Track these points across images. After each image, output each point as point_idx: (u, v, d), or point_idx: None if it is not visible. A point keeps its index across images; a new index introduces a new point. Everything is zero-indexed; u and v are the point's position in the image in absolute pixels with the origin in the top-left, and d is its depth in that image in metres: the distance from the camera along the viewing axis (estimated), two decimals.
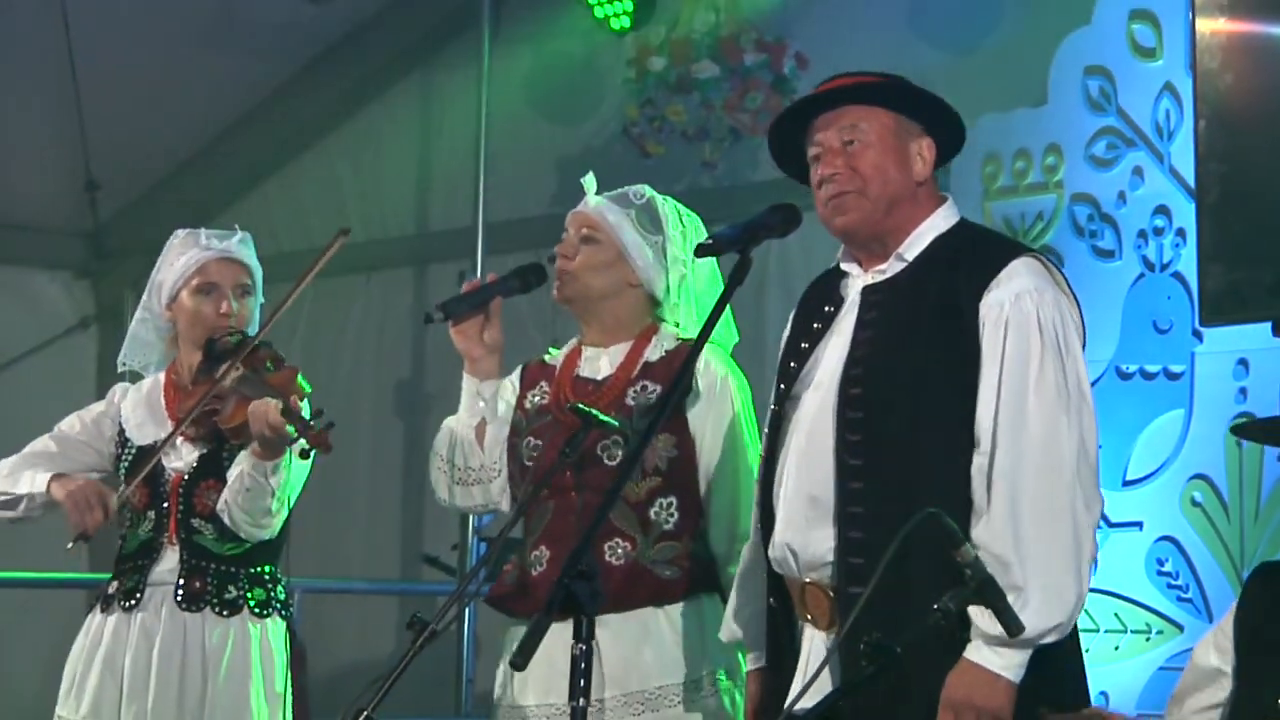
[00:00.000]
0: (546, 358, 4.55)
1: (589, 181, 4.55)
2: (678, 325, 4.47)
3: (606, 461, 4.28)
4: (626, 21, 7.37)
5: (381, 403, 8.62)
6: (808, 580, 3.79)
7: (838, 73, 3.98)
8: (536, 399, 4.46)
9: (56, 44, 7.97)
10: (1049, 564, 3.63)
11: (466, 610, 7.15)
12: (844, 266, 3.91)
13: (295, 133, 9.03)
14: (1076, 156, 6.02)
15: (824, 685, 3.64)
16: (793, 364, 3.88)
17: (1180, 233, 5.80)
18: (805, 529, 3.77)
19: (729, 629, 4.09)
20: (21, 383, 8.37)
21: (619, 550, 4.26)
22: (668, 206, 4.54)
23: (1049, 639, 3.62)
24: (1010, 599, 3.33)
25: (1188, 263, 5.75)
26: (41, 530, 5.13)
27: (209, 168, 9.15)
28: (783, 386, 3.89)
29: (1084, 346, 3.83)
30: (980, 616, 3.54)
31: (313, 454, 4.64)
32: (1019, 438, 3.65)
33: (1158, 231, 5.86)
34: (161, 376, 5.04)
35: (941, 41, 6.89)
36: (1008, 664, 3.61)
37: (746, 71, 7.10)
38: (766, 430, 3.94)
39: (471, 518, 7.39)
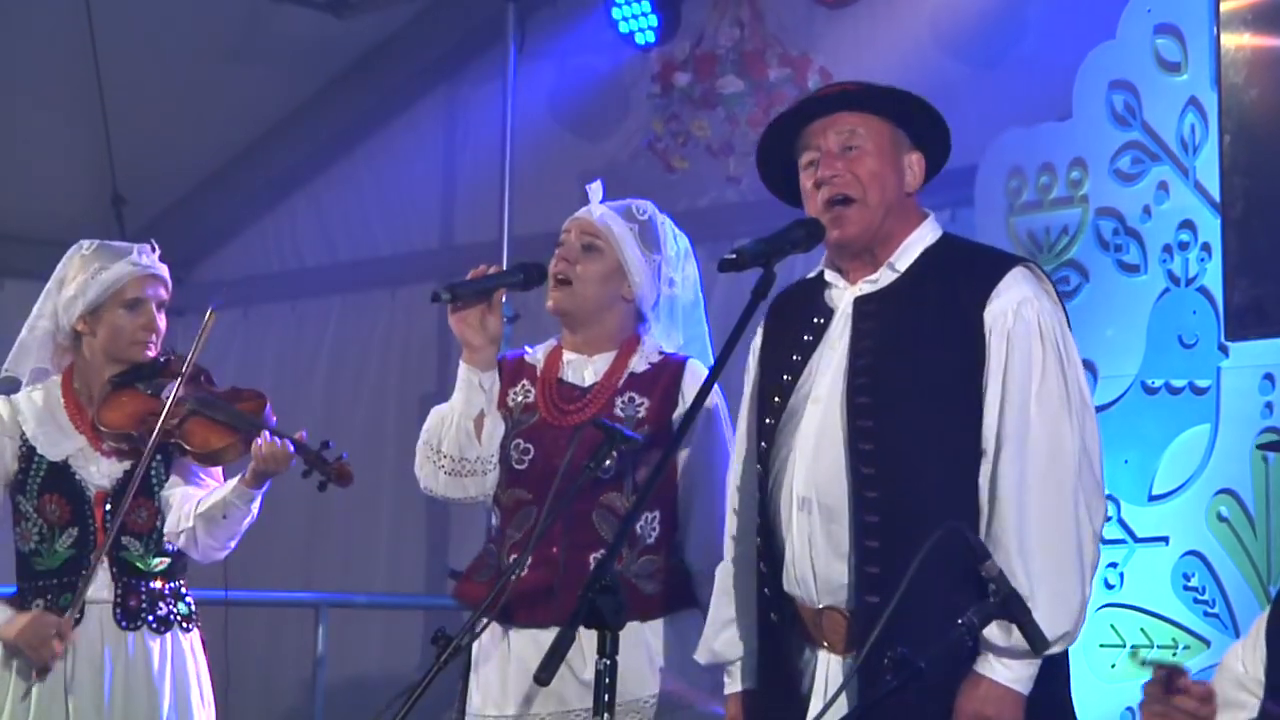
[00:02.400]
0: (526, 355, 4.55)
1: (595, 189, 4.56)
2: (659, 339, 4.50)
3: (599, 474, 4.28)
4: (651, 36, 7.38)
5: (406, 417, 8.62)
6: (824, 605, 3.78)
7: (836, 82, 4.00)
8: (520, 398, 4.46)
9: (83, 59, 7.99)
10: (1055, 572, 3.64)
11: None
12: (828, 277, 3.91)
13: (321, 147, 9.05)
14: (1101, 171, 6.01)
15: (840, 708, 3.64)
16: (786, 376, 3.87)
17: (1205, 247, 5.78)
18: (827, 552, 3.76)
19: (708, 651, 4.04)
20: None
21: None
22: (665, 227, 4.56)
23: (1057, 648, 3.62)
24: None
25: (1213, 277, 5.74)
26: None
27: (235, 183, 9.18)
28: (776, 400, 3.87)
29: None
30: (989, 629, 3.54)
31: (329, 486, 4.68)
32: (1023, 445, 3.67)
33: (1183, 246, 5.84)
34: (55, 388, 4.98)
35: (966, 55, 6.89)
36: (1017, 676, 3.62)
37: (771, 86, 7.10)
38: (761, 443, 3.91)
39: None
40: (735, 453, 4.05)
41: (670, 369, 4.43)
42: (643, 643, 4.27)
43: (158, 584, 4.88)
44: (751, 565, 3.93)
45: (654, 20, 7.34)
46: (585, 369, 4.46)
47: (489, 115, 8.09)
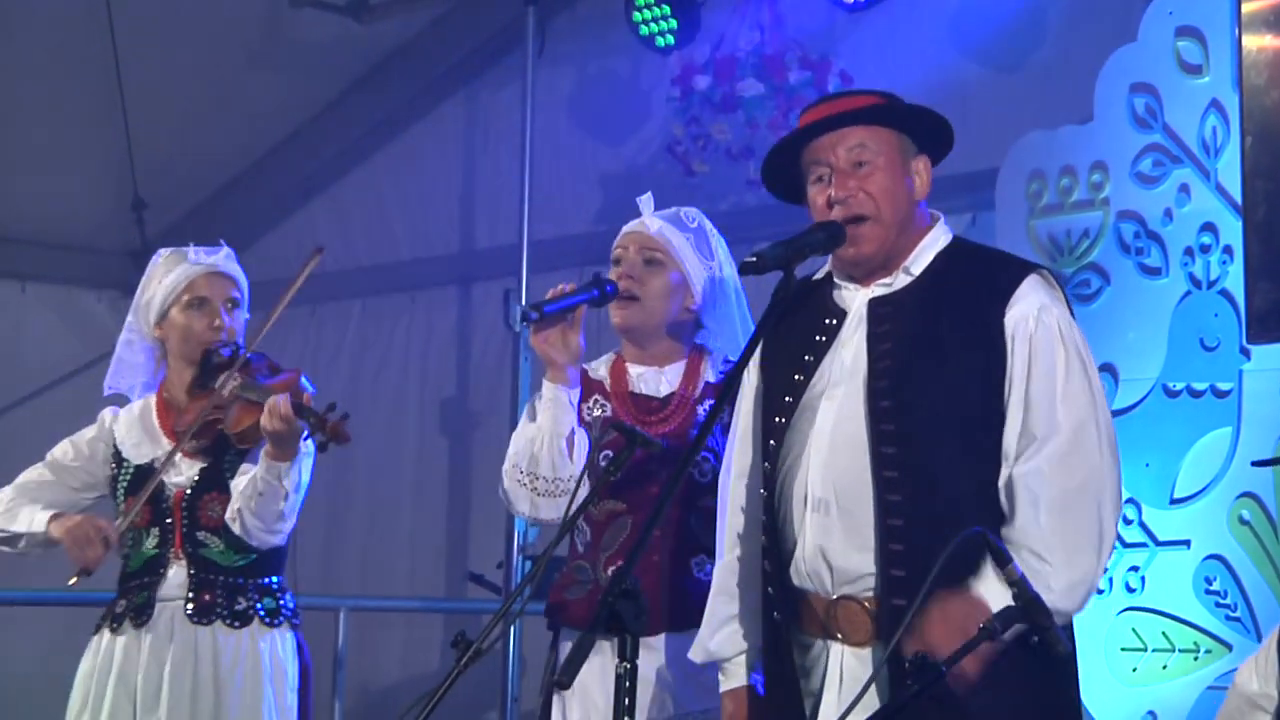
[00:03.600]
0: (589, 370, 4.55)
1: (646, 201, 4.54)
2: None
3: (697, 478, 4.30)
4: (671, 39, 7.37)
5: (426, 421, 8.64)
6: (839, 596, 3.77)
7: (830, 94, 3.99)
8: (596, 412, 4.47)
9: (104, 64, 8.01)
10: (1075, 547, 3.64)
11: (512, 629, 7.15)
12: (837, 279, 3.91)
13: (341, 152, 9.06)
14: (1122, 173, 6.00)
15: (849, 700, 3.65)
16: (797, 375, 3.85)
17: (1227, 250, 5.77)
18: (843, 543, 3.76)
19: (703, 650, 4.02)
20: (69, 401, 8.40)
21: (707, 567, 4.26)
22: (713, 231, 4.57)
23: (1060, 620, 3.60)
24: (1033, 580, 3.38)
25: (1235, 280, 5.73)
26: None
27: (255, 187, 9.19)
28: (787, 399, 3.87)
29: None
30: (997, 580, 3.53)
31: (330, 446, 4.65)
32: (1048, 443, 3.68)
33: (1204, 249, 5.83)
34: (152, 397, 5.03)
35: (986, 58, 6.88)
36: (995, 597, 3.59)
37: (791, 89, 7.10)
38: (769, 441, 3.90)
39: (517, 536, 7.39)
40: (734, 452, 4.03)
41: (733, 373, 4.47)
42: None
43: (240, 579, 4.87)
44: (757, 563, 3.92)
45: (674, 23, 7.34)
46: (658, 381, 4.47)
47: (509, 119, 8.10)
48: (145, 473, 4.91)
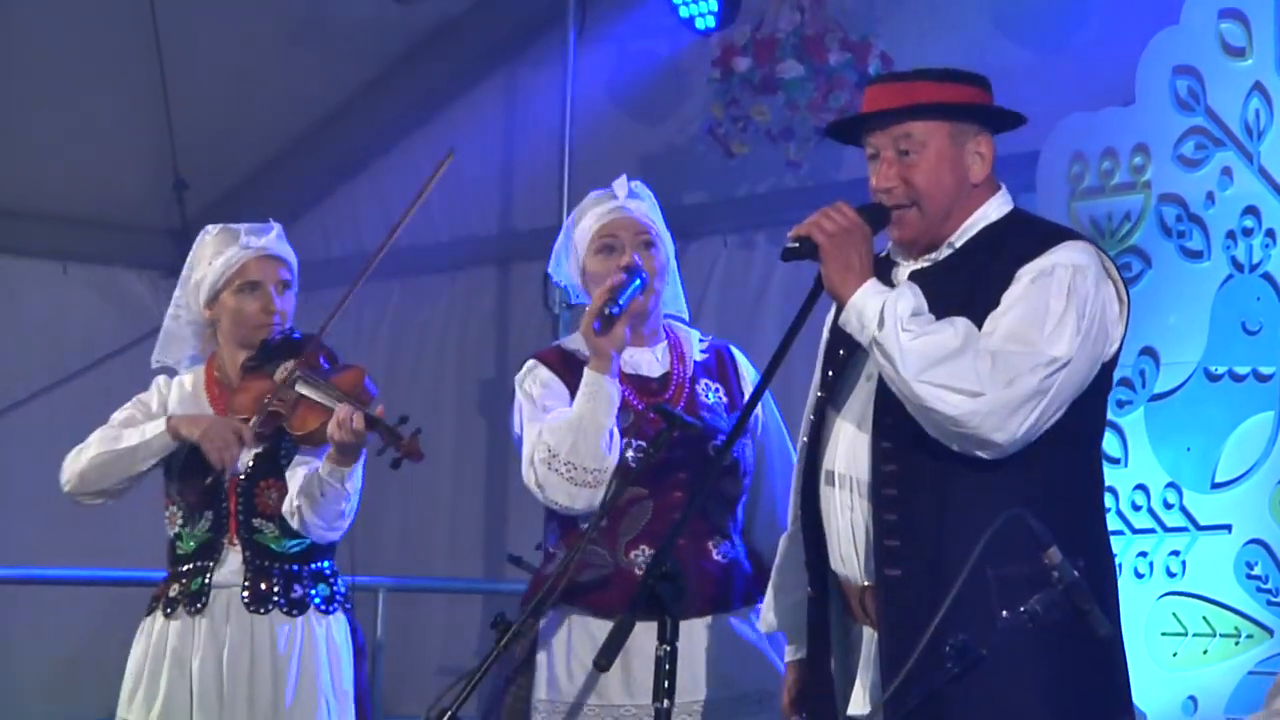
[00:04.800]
0: (577, 353, 4.50)
1: (622, 183, 4.55)
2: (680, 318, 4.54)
3: (720, 461, 4.31)
4: (711, 21, 7.36)
5: (465, 402, 8.64)
6: (868, 584, 3.77)
7: (896, 72, 3.97)
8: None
9: (145, 44, 8.03)
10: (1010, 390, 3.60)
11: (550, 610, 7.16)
12: (894, 255, 3.90)
13: (380, 132, 9.06)
14: (1164, 156, 5.97)
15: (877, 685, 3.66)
16: (841, 351, 3.87)
17: (1270, 233, 5.75)
18: (865, 531, 3.76)
19: (767, 620, 4.08)
20: (110, 380, 8.43)
21: (723, 549, 4.26)
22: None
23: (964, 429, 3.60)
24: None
25: (1277, 263, 5.70)
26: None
27: (296, 166, 9.20)
28: (830, 373, 3.88)
29: (1120, 347, 3.80)
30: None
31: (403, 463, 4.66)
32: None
33: (1247, 232, 5.80)
34: (201, 373, 5.00)
35: (1028, 40, 6.85)
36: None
37: (831, 71, 7.08)
38: (811, 417, 3.91)
39: None
40: (804, 425, 4.04)
41: (724, 356, 4.54)
42: (745, 634, 4.30)
43: (295, 565, 4.85)
44: (800, 538, 3.93)
45: (714, 4, 7.33)
46: (647, 360, 4.46)
47: (549, 99, 8.09)
48: (198, 451, 4.84)
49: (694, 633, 4.27)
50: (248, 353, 4.92)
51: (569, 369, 4.47)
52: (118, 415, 5.00)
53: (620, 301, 4.33)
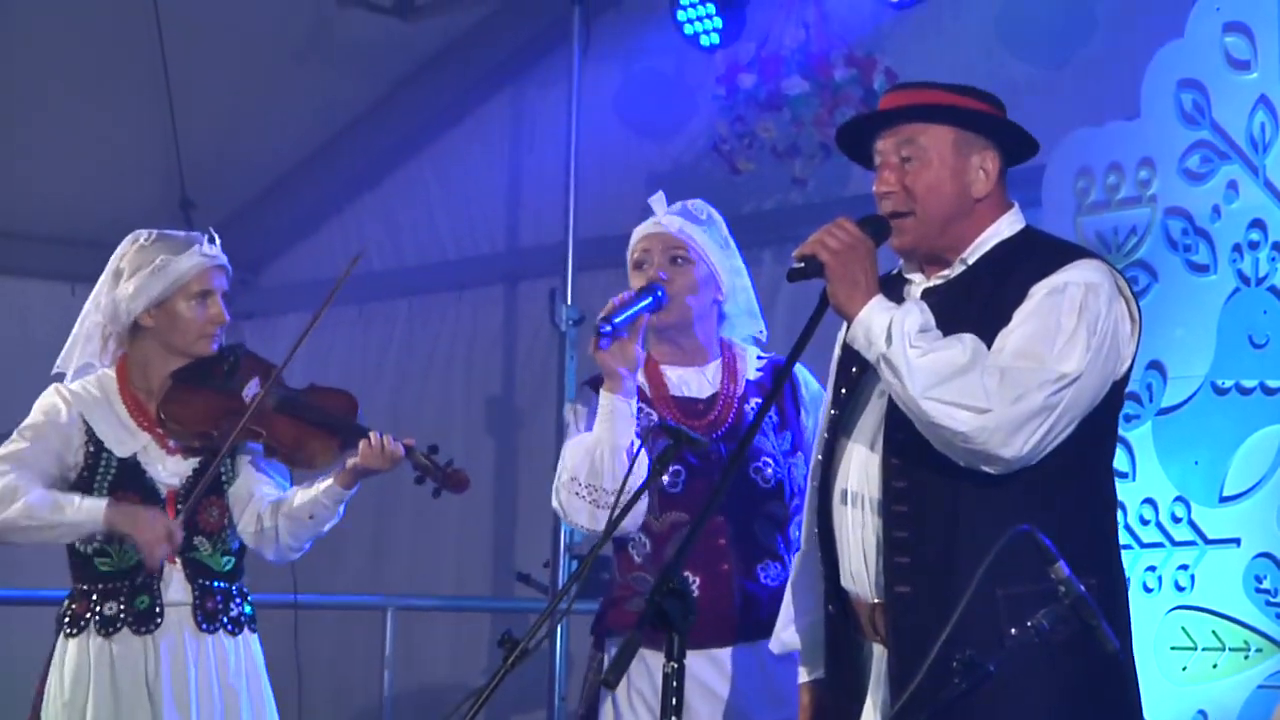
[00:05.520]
0: None
1: (659, 200, 4.55)
2: (749, 340, 4.50)
3: (760, 484, 4.28)
4: (716, 38, 7.36)
5: (472, 420, 8.65)
6: (878, 601, 3.77)
7: (913, 81, 3.97)
8: (643, 421, 4.44)
9: (151, 63, 8.04)
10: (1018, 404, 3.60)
11: (559, 628, 7.16)
12: (907, 273, 3.90)
13: (387, 150, 9.08)
14: (1170, 170, 5.97)
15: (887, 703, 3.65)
16: (854, 369, 3.86)
17: (1276, 246, 5.74)
18: (876, 547, 3.75)
19: (779, 641, 4.06)
20: None
21: (772, 571, 4.25)
22: (720, 219, 4.57)
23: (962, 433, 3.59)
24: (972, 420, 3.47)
25: None
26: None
27: (302, 186, 9.22)
28: (843, 391, 3.87)
29: (1132, 358, 3.78)
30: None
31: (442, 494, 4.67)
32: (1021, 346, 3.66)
33: (1253, 245, 5.79)
34: (110, 384, 4.85)
35: (1033, 55, 6.86)
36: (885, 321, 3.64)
37: (836, 87, 7.08)
38: (825, 435, 3.92)
39: (563, 535, 7.40)
40: (817, 443, 4.03)
41: (777, 373, 4.40)
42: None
43: (226, 583, 4.83)
44: (817, 555, 3.93)
45: (719, 22, 7.33)
46: (700, 381, 4.44)
47: (554, 118, 8.10)
48: (130, 466, 4.78)
49: (740, 659, 4.26)
50: (178, 362, 4.81)
51: None
52: (27, 432, 4.78)
53: (614, 320, 4.32)
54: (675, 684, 3.40)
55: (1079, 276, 3.72)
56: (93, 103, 8.27)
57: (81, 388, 4.86)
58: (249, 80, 8.40)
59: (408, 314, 9.02)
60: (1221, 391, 5.78)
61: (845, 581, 3.82)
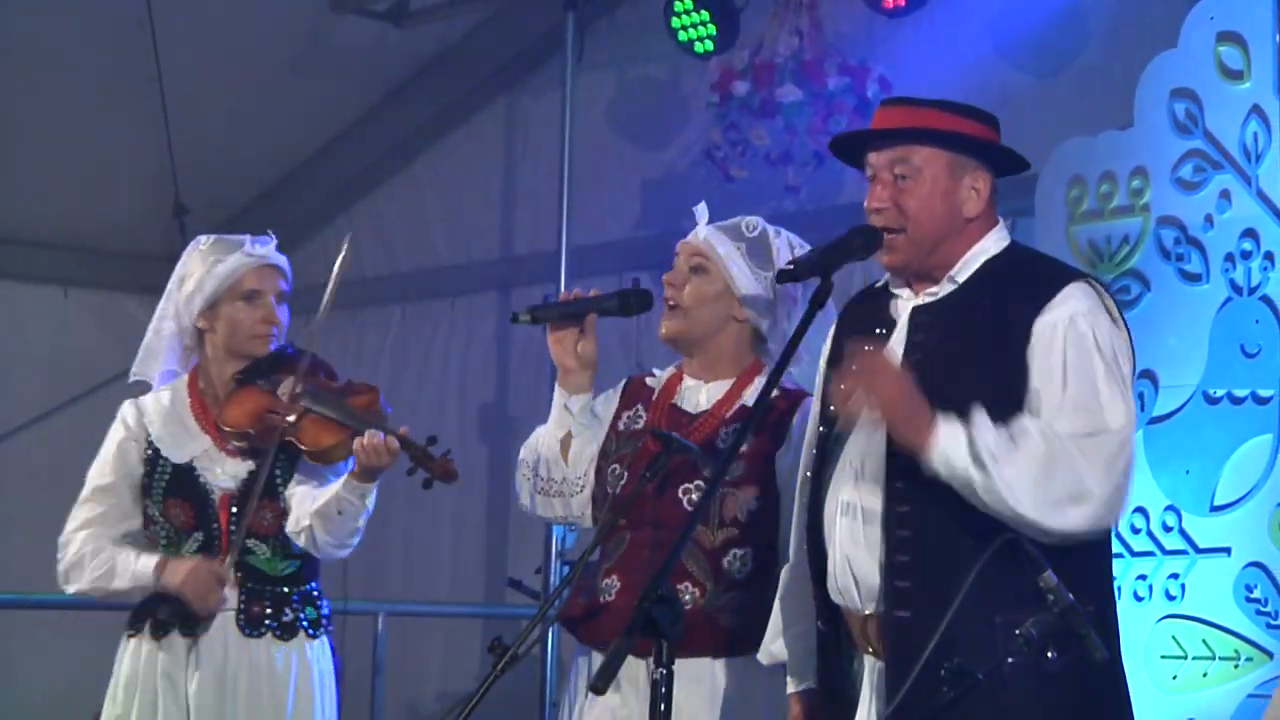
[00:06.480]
0: (650, 379, 4.51)
1: (701, 210, 4.51)
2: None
3: (686, 506, 4.26)
4: (710, 45, 7.37)
5: (466, 426, 8.65)
6: (869, 613, 3.77)
7: (908, 96, 3.97)
8: (629, 423, 4.44)
9: (146, 70, 8.04)
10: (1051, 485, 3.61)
11: (549, 634, 7.16)
12: (893, 288, 3.90)
13: (381, 158, 9.09)
14: (1163, 179, 5.98)
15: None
16: (843, 385, 3.86)
17: (1268, 256, 5.75)
18: (868, 561, 3.75)
19: (768, 653, 4.05)
20: (111, 405, 8.40)
21: (688, 595, 4.23)
22: (780, 240, 4.46)
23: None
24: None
25: (1276, 286, 5.70)
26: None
27: (296, 192, 9.22)
28: (832, 409, 3.86)
29: (1134, 375, 3.82)
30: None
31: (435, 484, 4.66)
32: (1060, 411, 3.66)
33: (1245, 255, 5.80)
34: (182, 387, 4.90)
35: (1026, 65, 6.87)
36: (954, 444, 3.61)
37: (830, 95, 7.08)
38: (813, 452, 3.91)
39: (555, 541, 7.41)
40: (805, 457, 4.02)
41: (783, 404, 4.32)
42: (706, 679, 4.25)
43: (285, 588, 4.80)
44: (806, 570, 3.92)
45: (713, 29, 7.33)
46: (700, 395, 4.41)
47: (548, 125, 8.11)
48: (185, 472, 4.79)
49: (731, 671, 4.26)
50: (239, 364, 4.85)
51: (626, 396, 4.50)
52: (92, 478, 4.87)
53: (533, 306, 4.49)
54: (664, 689, 3.40)
55: (1077, 307, 3.72)
56: (87, 109, 8.27)
57: (153, 398, 4.92)
58: (243, 87, 8.41)
59: (401, 320, 9.03)
60: (1213, 401, 5.79)
61: (832, 594, 3.82)
